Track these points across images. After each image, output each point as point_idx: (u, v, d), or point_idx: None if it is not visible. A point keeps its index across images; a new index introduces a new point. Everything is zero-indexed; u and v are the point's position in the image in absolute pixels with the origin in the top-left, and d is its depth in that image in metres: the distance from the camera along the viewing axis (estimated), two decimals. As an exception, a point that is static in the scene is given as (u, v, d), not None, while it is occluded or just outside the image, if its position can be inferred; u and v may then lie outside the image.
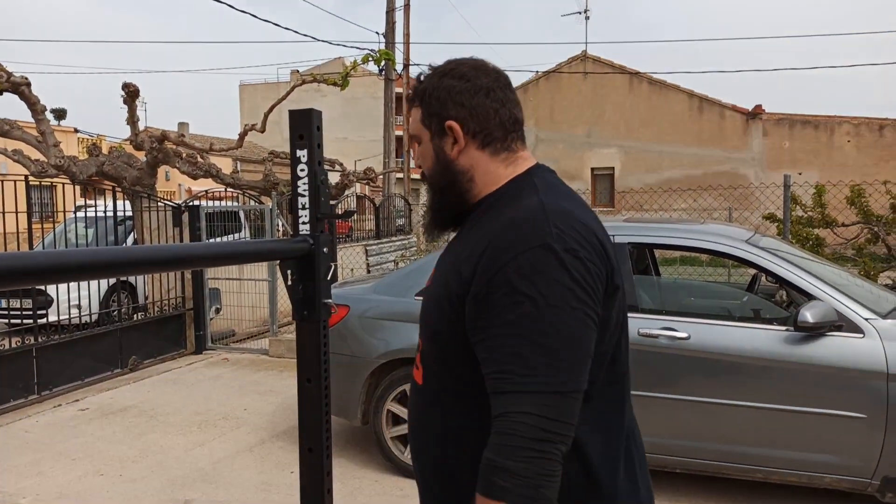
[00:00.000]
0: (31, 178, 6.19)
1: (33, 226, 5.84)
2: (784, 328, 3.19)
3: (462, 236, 1.22)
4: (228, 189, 9.36)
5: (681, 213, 13.82)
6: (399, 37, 16.55)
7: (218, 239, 7.97)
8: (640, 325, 3.30)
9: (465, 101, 1.18)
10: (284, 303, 7.76)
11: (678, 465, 3.35)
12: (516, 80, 17.52)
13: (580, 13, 21.23)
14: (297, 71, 34.34)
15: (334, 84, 7.36)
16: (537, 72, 18.38)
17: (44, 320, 6.09)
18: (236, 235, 9.05)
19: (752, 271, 4.86)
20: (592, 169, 17.63)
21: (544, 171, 1.22)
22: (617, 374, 1.15)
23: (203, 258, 1.34)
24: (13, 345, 5.42)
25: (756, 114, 16.58)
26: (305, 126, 1.71)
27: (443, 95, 1.19)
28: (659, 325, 3.29)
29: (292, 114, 1.73)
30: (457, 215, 1.24)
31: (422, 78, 1.25)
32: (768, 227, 8.14)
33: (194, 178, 8.64)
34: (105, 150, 8.86)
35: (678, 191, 10.99)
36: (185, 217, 7.33)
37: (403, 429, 3.81)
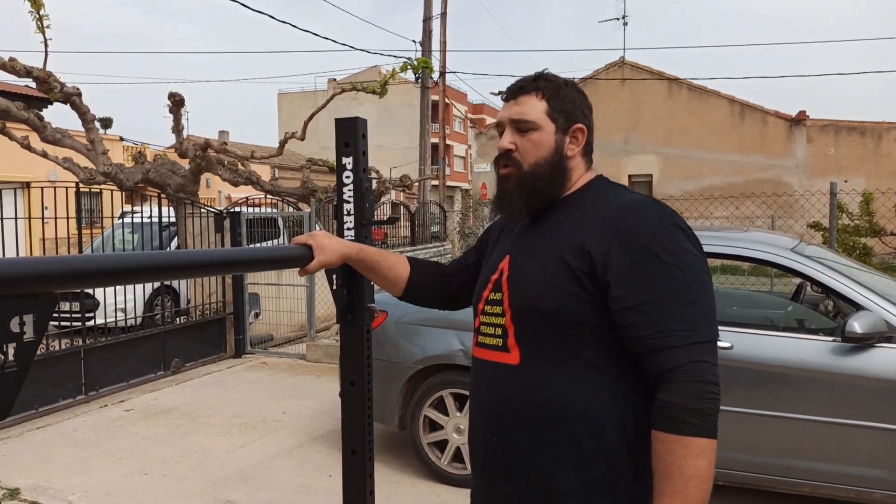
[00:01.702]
0: (80, 185, 6.40)
1: (82, 231, 6.03)
2: (831, 339, 3.11)
3: (554, 224, 1.33)
4: (267, 196, 9.53)
5: (722, 221, 13.58)
6: (435, 45, 16.66)
7: (258, 245, 8.11)
8: (681, 333, 3.25)
9: (587, 113, 1.38)
10: (321, 309, 7.85)
11: (720, 476, 3.28)
12: (552, 86, 17.44)
13: (618, 19, 21.05)
14: (335, 80, 34.79)
15: (373, 92, 7.45)
16: (574, 79, 18.28)
17: (91, 323, 6.27)
18: (275, 242, 9.20)
19: (797, 281, 4.75)
20: (630, 176, 17.42)
21: (605, 180, 1.42)
22: None
23: (255, 262, 1.37)
24: (62, 346, 5.61)
25: (800, 120, 16.19)
26: (351, 134, 1.74)
27: (576, 101, 1.36)
28: (701, 335, 3.24)
29: (338, 122, 1.76)
30: (546, 205, 1.35)
31: (545, 77, 1.36)
32: (813, 235, 7.95)
33: (235, 185, 8.84)
34: (149, 158, 9.11)
35: (719, 198, 10.80)
36: (227, 223, 7.49)
37: (440, 435, 3.82)
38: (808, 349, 3.12)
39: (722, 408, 3.48)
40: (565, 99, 1.34)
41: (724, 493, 3.52)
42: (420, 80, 15.80)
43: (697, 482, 1.11)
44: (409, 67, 7.86)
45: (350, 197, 1.74)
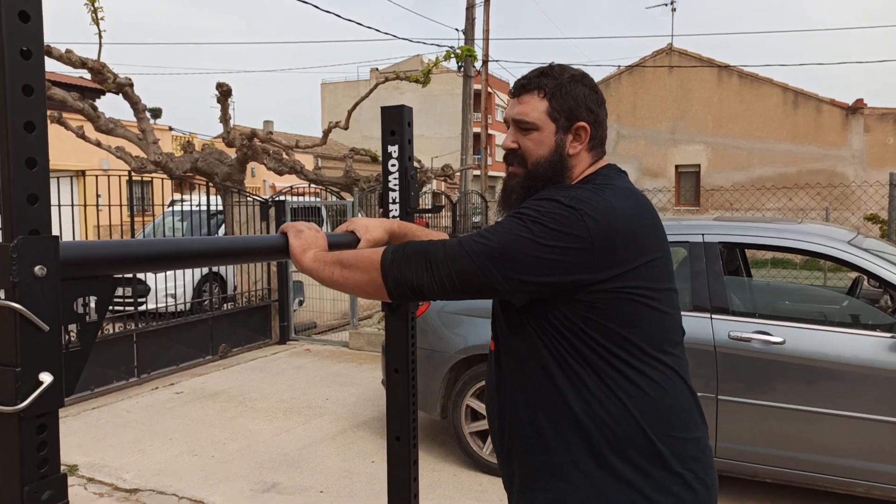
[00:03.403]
0: (132, 173, 6.59)
1: (133, 218, 6.21)
2: (889, 335, 3.00)
3: None
4: (311, 185, 9.65)
5: (773, 213, 13.18)
6: (478, 33, 16.56)
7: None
8: (730, 328, 3.17)
9: (594, 108, 1.34)
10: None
11: (769, 474, 3.20)
12: (598, 75, 17.13)
13: (666, 5, 20.56)
14: (377, 69, 34.94)
15: (416, 81, 7.45)
16: (620, 66, 17.94)
17: (143, 307, 6.47)
18: (319, 230, 9.30)
19: (853, 275, 4.58)
20: (677, 166, 17.04)
21: (610, 169, 1.35)
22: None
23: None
24: (116, 330, 5.80)
25: (857, 108, 15.56)
26: (397, 122, 1.74)
27: (579, 98, 1.32)
28: (751, 329, 3.16)
29: (384, 110, 1.77)
30: None
31: (550, 73, 1.33)
32: (870, 228, 7.65)
33: (280, 174, 8.96)
34: (198, 148, 9.31)
35: (771, 189, 10.47)
36: (272, 211, 7.62)
37: (482, 424, 3.82)
38: (865, 345, 3.01)
39: (774, 404, 3.38)
40: (567, 96, 1.31)
41: (761, 490, 3.44)
42: (463, 69, 15.73)
43: (322, 265, 1.27)
44: (452, 56, 7.82)
45: (396, 185, 1.75)
